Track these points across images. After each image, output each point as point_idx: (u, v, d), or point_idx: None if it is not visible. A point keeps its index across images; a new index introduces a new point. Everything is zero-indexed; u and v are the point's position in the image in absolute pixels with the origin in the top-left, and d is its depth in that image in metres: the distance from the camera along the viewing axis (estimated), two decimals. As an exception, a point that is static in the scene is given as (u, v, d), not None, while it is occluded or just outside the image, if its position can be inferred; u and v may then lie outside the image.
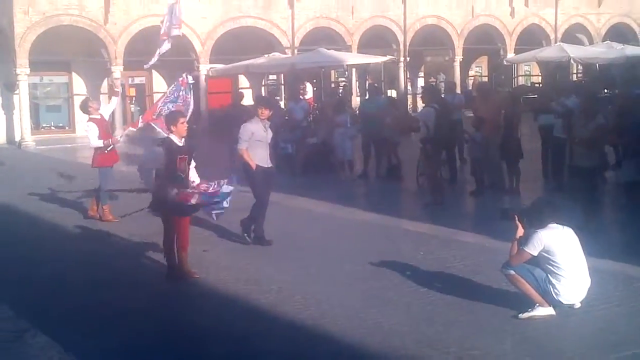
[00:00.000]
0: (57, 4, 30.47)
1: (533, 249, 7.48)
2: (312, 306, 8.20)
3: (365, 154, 18.10)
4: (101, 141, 13.17)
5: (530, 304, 7.56)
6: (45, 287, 9.32)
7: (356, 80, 37.74)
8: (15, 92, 30.65)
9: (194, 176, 9.77)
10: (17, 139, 30.78)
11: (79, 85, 34.38)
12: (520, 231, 7.71)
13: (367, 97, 21.00)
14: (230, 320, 7.89)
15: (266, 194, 11.25)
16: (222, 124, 21.72)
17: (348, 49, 35.66)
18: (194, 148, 9.83)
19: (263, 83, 37.34)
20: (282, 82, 36.71)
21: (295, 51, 35.00)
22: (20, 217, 14.34)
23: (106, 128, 13.68)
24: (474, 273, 9.21)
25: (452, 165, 16.74)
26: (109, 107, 14.27)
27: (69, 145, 29.22)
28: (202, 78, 33.98)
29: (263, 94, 33.11)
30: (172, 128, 9.43)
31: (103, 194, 13.44)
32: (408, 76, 39.30)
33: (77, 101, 28.04)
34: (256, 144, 11.09)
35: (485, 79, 41.37)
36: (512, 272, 7.60)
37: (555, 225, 7.57)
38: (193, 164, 9.76)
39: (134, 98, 35.71)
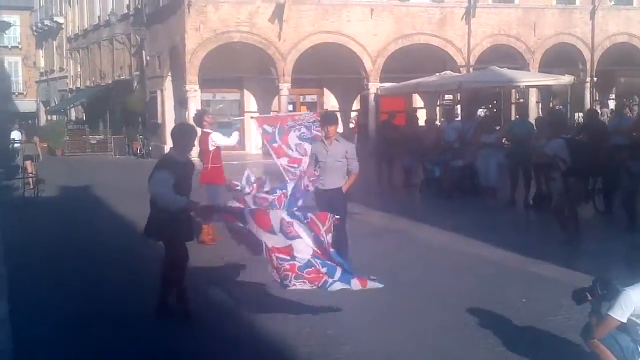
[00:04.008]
0: (228, 22, 30.82)
1: (621, 314, 5.86)
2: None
3: (513, 181, 16.50)
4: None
5: (614, 380, 6.00)
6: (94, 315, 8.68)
7: (537, 102, 35.51)
8: (186, 109, 31.27)
9: None
10: (187, 153, 31.29)
11: (251, 103, 34.64)
12: None
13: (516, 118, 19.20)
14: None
15: None
16: (394, 144, 20.71)
17: (527, 67, 33.76)
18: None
19: (438, 103, 36.05)
20: (458, 102, 35.29)
21: (471, 69, 33.53)
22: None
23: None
24: (573, 329, 7.51)
25: (608, 195, 14.82)
26: (227, 140, 13.18)
27: (235, 162, 29.04)
28: (372, 97, 33.28)
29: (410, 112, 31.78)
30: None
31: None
32: (596, 97, 36.67)
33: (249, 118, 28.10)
34: (320, 166, 10.28)
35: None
36: (595, 340, 6.05)
37: (647, 281, 5.94)
38: None
39: (306, 116, 35.47)
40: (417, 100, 36.32)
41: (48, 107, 59.23)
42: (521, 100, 35.80)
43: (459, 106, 28.42)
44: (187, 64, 30.74)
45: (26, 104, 63.36)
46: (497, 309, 8.47)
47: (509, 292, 9.31)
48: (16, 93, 65.55)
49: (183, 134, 8.38)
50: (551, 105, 33.45)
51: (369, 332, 7.77)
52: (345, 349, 7.30)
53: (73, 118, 51.98)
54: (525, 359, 6.91)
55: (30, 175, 21.24)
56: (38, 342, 7.74)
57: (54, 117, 57.11)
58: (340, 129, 33.55)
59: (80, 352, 7.39)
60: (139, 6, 39.11)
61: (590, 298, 6.23)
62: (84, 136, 43.36)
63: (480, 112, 33.25)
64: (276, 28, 31.33)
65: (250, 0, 31.15)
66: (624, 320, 5.88)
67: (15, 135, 24.88)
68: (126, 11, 41.84)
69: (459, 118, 22.87)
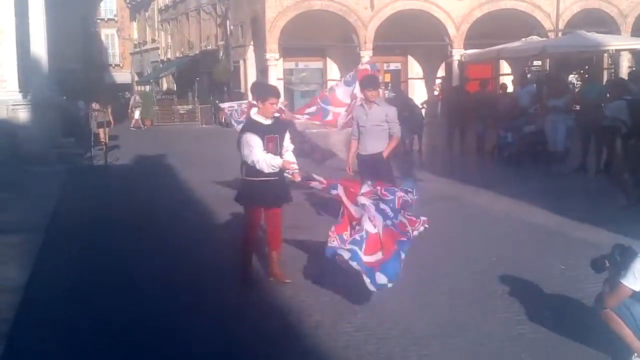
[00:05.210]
0: (308, -11, 30.56)
1: (633, 281, 5.36)
2: (360, 331, 6.66)
3: (584, 145, 15.74)
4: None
5: (626, 352, 5.52)
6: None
7: (629, 67, 33.87)
8: (267, 78, 31.20)
9: (290, 158, 8.22)
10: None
11: (333, 71, 34.35)
12: None
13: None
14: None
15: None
16: (465, 110, 20.19)
17: (619, 32, 32.29)
18: (285, 127, 8.29)
19: (526, 70, 34.87)
20: (547, 69, 34.04)
21: (559, 34, 32.30)
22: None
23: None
24: (604, 300, 7.08)
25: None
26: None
27: (314, 131, 28.87)
28: (455, 64, 32.51)
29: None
30: (260, 105, 7.97)
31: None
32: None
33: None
34: (361, 131, 10.05)
35: None
36: (607, 310, 5.57)
37: (663, 248, 5.41)
38: (290, 146, 8.23)
39: (389, 84, 34.92)
40: (505, 67, 35.26)
41: (139, 78, 60.40)
42: (612, 65, 34.28)
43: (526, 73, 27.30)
44: (267, 33, 30.65)
45: (122, 76, 64.79)
46: (530, 277, 8.02)
47: (548, 259, 8.83)
48: (113, 65, 67.08)
49: (260, 94, 8.17)
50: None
51: (385, 302, 7.30)
52: (357, 319, 6.96)
53: (164, 88, 52.76)
54: (542, 329, 6.45)
55: (103, 142, 21.55)
56: (44, 312, 7.47)
57: (145, 88, 58.18)
58: (425, 96, 33.20)
59: (82, 323, 7.05)
60: (224, -25, 39.24)
61: (608, 265, 5.77)
62: (173, 106, 43.81)
63: (572, 77, 32.11)
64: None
65: (331, -33, 30.80)
66: (637, 289, 5.39)
67: (80, 105, 25.58)
68: (212, -19, 42.08)
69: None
